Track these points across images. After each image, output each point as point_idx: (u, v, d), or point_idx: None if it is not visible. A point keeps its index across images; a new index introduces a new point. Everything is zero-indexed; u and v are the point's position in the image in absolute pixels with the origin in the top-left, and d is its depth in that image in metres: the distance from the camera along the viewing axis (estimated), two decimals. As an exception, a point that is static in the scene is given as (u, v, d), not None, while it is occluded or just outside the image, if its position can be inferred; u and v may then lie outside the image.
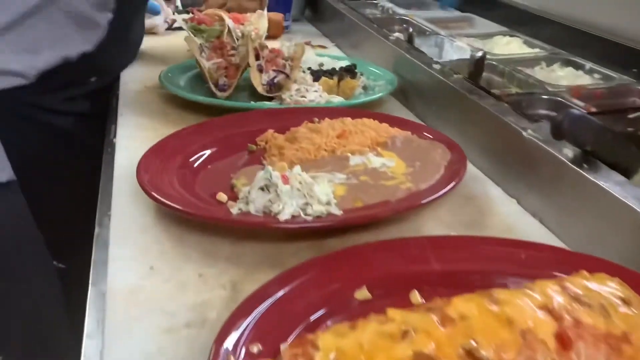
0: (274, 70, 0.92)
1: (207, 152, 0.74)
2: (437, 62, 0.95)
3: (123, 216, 0.64)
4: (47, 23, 0.85)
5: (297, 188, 0.60)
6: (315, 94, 0.90)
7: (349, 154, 0.73)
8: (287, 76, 0.92)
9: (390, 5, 1.61)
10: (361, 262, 0.51)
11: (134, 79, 1.05)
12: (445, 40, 1.33)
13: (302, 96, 0.89)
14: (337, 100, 0.91)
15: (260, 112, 0.84)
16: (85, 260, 0.62)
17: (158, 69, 1.05)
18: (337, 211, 0.60)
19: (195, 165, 0.70)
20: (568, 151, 0.65)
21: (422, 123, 0.89)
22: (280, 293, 0.46)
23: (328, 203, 0.61)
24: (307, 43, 1.38)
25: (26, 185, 0.92)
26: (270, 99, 0.91)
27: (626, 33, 1.11)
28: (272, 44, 1.31)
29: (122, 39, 0.95)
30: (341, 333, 0.39)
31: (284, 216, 0.58)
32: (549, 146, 0.67)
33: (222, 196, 0.64)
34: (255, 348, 0.41)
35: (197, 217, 0.59)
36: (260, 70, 0.92)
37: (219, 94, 0.90)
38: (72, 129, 0.96)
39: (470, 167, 0.76)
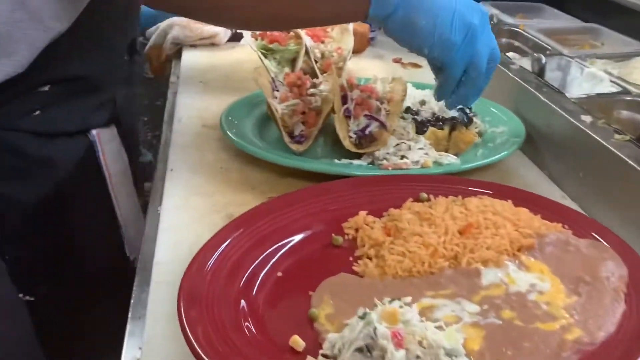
0: (366, 117, 0.70)
1: (277, 248, 0.54)
2: (587, 112, 0.70)
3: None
4: None
5: (417, 355, 0.39)
6: (420, 152, 0.68)
7: (480, 266, 0.51)
8: (383, 125, 0.70)
9: (495, 11, 1.34)
10: None
11: (191, 113, 0.85)
12: (572, 64, 1.06)
13: (403, 156, 0.67)
14: (448, 160, 0.68)
15: (347, 183, 0.62)
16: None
17: (220, 100, 0.86)
18: (478, 397, 0.38)
19: (259, 278, 0.50)
20: None
21: (579, 210, 0.64)
22: None
23: (462, 377, 0.39)
24: (397, 61, 1.15)
25: None
26: (359, 155, 0.69)
27: None
28: (354, 62, 1.10)
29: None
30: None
31: (398, 412, 0.36)
32: None
33: (298, 341, 0.43)
34: None
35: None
36: (348, 116, 0.71)
37: (293, 147, 0.69)
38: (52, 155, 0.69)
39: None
